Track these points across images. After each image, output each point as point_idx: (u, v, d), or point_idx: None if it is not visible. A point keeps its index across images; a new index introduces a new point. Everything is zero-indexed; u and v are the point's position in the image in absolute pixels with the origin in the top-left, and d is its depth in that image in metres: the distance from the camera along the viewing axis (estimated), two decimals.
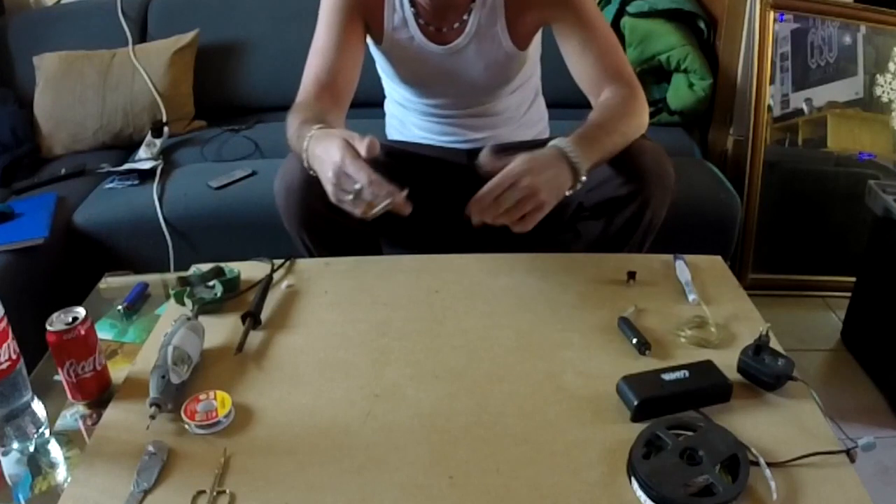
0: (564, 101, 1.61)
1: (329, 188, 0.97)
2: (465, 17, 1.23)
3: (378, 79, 1.42)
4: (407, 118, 1.43)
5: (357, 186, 0.93)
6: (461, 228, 1.42)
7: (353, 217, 1.22)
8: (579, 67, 1.22)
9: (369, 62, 1.32)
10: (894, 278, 1.55)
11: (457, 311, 1.02)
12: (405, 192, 0.93)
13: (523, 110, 1.41)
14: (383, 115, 1.53)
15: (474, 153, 1.39)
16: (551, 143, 1.02)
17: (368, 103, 1.51)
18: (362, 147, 0.94)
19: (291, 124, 1.11)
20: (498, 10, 1.22)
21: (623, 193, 1.16)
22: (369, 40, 1.30)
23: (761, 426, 0.79)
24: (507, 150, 1.36)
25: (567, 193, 1.01)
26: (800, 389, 0.84)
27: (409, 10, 1.23)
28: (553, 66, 1.39)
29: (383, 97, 1.49)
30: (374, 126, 1.52)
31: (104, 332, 1.03)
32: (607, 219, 1.21)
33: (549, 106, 1.52)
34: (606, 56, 1.20)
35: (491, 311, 1.01)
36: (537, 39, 1.31)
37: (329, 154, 0.96)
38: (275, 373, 0.91)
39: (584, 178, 1.01)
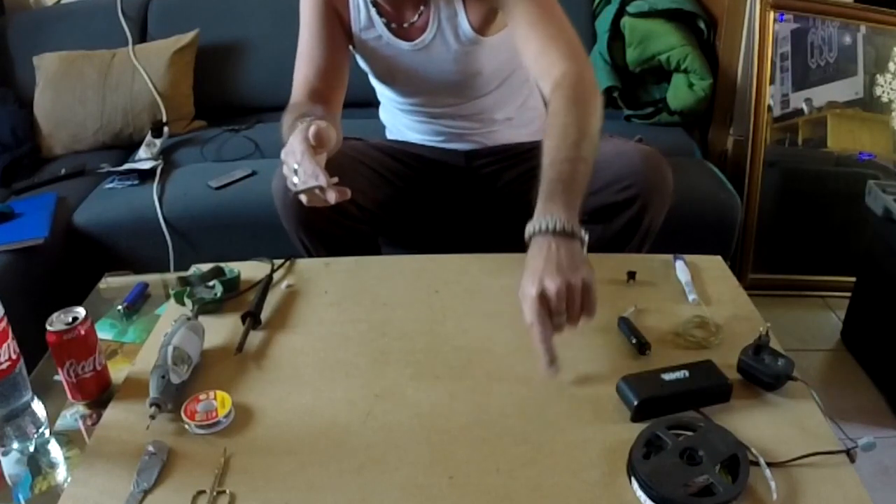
0: None
1: (282, 158, 1.01)
2: (421, 7, 1.21)
3: None
4: (399, 120, 1.43)
5: (294, 166, 0.96)
6: (461, 228, 1.43)
7: (352, 216, 1.22)
8: (525, 50, 1.15)
9: None
10: (894, 278, 1.55)
11: (457, 311, 1.02)
12: (334, 180, 0.94)
13: (514, 108, 1.39)
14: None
15: (472, 154, 1.39)
16: (528, 231, 0.91)
17: (368, 103, 1.51)
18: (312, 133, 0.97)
19: (285, 123, 1.11)
20: None
21: (621, 199, 1.16)
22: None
23: (761, 426, 0.79)
24: (504, 155, 1.36)
25: (586, 250, 0.90)
26: (800, 389, 0.84)
27: (372, 9, 1.22)
28: None
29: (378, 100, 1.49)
30: (373, 126, 1.52)
31: (104, 332, 1.03)
32: (605, 224, 1.21)
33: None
34: (552, 33, 1.11)
35: (491, 311, 1.01)
36: (506, 32, 1.23)
37: (290, 142, 1.00)
38: (275, 373, 0.91)
39: (582, 234, 0.89)
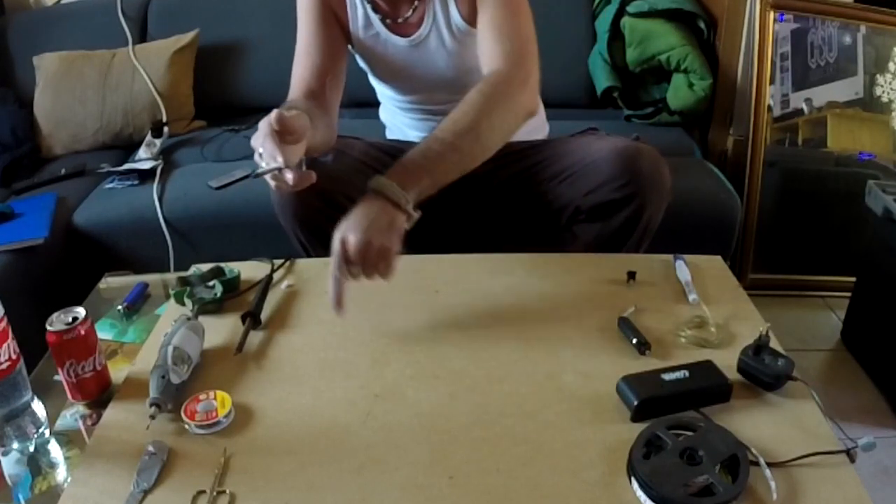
0: (565, 101, 1.62)
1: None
2: (415, 2, 1.21)
3: None
4: (398, 119, 1.43)
5: (260, 150, 0.94)
6: (459, 228, 1.43)
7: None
8: (479, 42, 1.16)
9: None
10: (894, 278, 1.55)
11: (457, 311, 1.02)
12: (295, 158, 0.92)
13: None
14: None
15: None
16: (369, 184, 0.97)
17: (368, 103, 1.51)
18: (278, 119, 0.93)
19: None
20: None
21: (619, 197, 1.16)
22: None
23: (761, 426, 0.79)
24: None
25: (407, 226, 0.96)
26: (800, 389, 0.84)
27: (368, 6, 1.22)
28: (553, 67, 1.38)
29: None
30: (373, 126, 1.52)
31: (104, 332, 1.03)
32: (603, 222, 1.21)
33: (549, 106, 1.51)
34: (504, 31, 1.13)
35: (491, 311, 1.01)
36: None
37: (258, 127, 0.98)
38: (275, 373, 0.91)
39: (411, 210, 0.95)
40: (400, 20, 1.23)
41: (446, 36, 1.22)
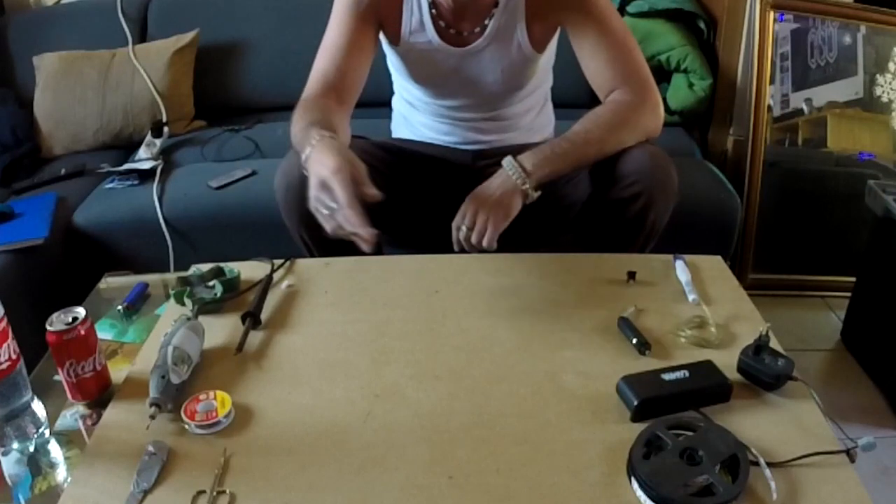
0: (570, 101, 1.62)
1: (311, 192, 0.98)
2: (486, 21, 1.23)
3: (383, 78, 1.42)
4: (415, 117, 1.43)
5: (333, 205, 0.94)
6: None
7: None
8: (592, 70, 1.23)
9: (377, 59, 1.32)
10: (894, 278, 1.55)
11: (457, 311, 1.02)
12: (374, 233, 0.94)
13: (532, 115, 1.40)
14: (387, 115, 1.52)
15: (479, 154, 1.39)
16: (504, 160, 1.12)
17: (374, 103, 1.50)
18: (362, 180, 0.97)
19: (297, 122, 1.11)
20: (518, 12, 1.22)
21: (626, 195, 1.16)
22: (384, 39, 1.29)
23: (761, 426, 0.79)
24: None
25: (520, 205, 1.11)
26: (800, 389, 0.84)
27: (427, 12, 1.23)
28: (559, 67, 1.38)
29: (389, 96, 1.49)
30: (378, 125, 1.52)
31: (104, 332, 1.03)
32: (609, 222, 1.21)
33: (554, 106, 1.51)
34: (619, 59, 1.20)
35: (491, 311, 1.01)
36: (552, 46, 1.31)
37: (324, 163, 0.96)
38: (275, 373, 0.91)
39: (533, 194, 1.10)
40: (465, 33, 1.24)
41: (504, 54, 1.24)
